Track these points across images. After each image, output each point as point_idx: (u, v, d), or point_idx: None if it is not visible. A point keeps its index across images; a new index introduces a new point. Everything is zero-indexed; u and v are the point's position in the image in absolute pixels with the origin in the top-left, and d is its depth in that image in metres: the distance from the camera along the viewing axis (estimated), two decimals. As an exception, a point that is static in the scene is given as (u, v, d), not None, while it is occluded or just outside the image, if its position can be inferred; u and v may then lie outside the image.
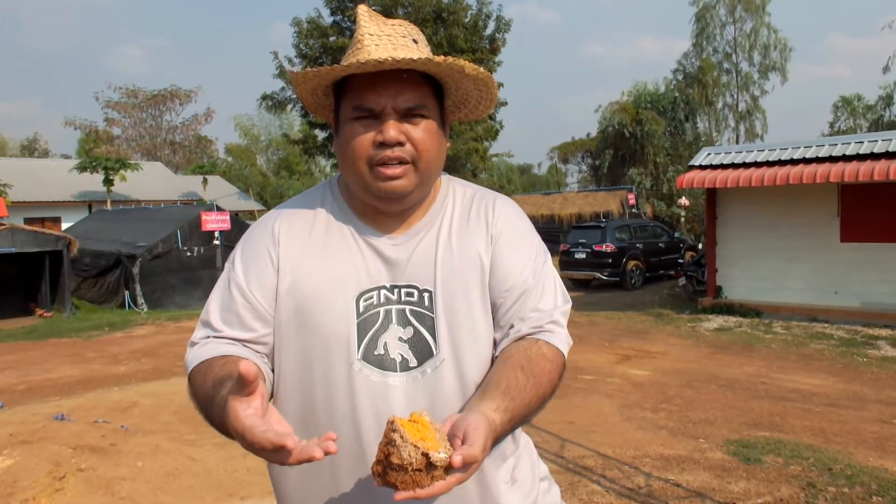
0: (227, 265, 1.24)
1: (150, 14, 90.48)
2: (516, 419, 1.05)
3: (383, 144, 1.11)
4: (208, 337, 1.17)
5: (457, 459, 0.87)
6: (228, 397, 0.89)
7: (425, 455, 0.85)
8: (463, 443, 0.90)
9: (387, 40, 1.12)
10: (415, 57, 1.07)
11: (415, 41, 1.16)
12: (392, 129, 1.10)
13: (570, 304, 1.25)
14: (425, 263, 1.18)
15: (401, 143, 1.12)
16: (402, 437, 0.86)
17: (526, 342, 1.16)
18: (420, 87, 1.13)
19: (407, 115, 1.12)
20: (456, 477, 0.89)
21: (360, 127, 1.12)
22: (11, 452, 4.16)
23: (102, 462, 4.17)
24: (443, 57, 1.08)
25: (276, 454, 0.86)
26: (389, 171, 1.12)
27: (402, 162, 1.13)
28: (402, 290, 1.17)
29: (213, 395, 1.01)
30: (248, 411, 0.87)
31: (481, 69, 1.14)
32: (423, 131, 1.13)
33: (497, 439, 1.00)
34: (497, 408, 1.01)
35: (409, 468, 0.85)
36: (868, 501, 3.60)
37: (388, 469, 0.87)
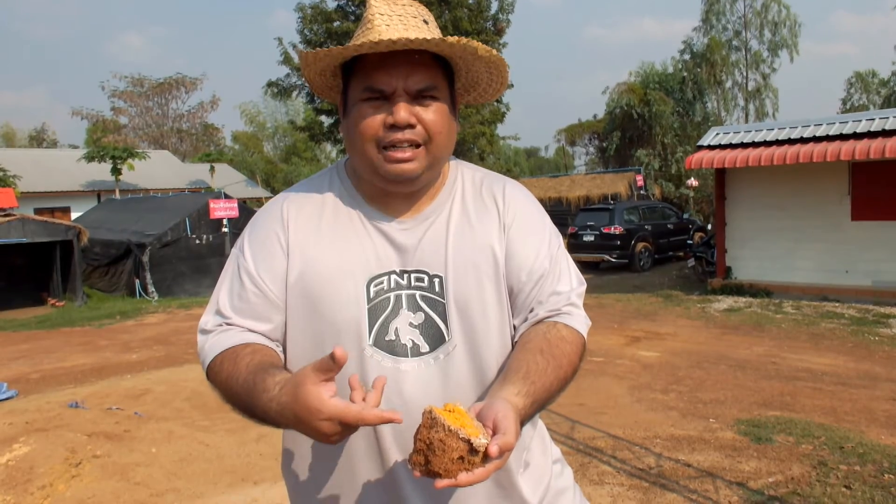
0: (234, 251, 1.22)
1: (152, 2, 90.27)
2: (538, 403, 1.05)
3: (394, 126, 1.09)
4: (221, 325, 1.16)
5: (493, 449, 0.88)
6: (300, 382, 0.91)
7: (467, 441, 0.87)
8: (494, 431, 0.91)
9: (398, 20, 1.11)
10: (427, 37, 1.05)
11: (425, 22, 1.14)
12: (403, 111, 1.09)
13: (584, 286, 1.26)
14: (435, 249, 1.17)
15: (411, 126, 1.10)
16: (444, 425, 0.87)
17: (545, 325, 1.16)
18: (431, 69, 1.12)
19: (418, 97, 1.11)
20: (494, 464, 0.90)
21: (370, 108, 1.11)
22: (28, 440, 4.22)
23: (117, 448, 4.22)
24: (456, 38, 1.06)
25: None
26: (399, 153, 1.11)
27: (412, 144, 1.11)
28: (412, 276, 1.16)
29: (252, 382, 1.01)
30: (330, 394, 0.90)
31: (493, 51, 1.12)
32: (433, 113, 1.12)
33: (521, 424, 1.00)
34: (519, 392, 1.01)
35: (454, 455, 0.87)
36: (880, 479, 3.59)
37: (430, 458, 0.88)
